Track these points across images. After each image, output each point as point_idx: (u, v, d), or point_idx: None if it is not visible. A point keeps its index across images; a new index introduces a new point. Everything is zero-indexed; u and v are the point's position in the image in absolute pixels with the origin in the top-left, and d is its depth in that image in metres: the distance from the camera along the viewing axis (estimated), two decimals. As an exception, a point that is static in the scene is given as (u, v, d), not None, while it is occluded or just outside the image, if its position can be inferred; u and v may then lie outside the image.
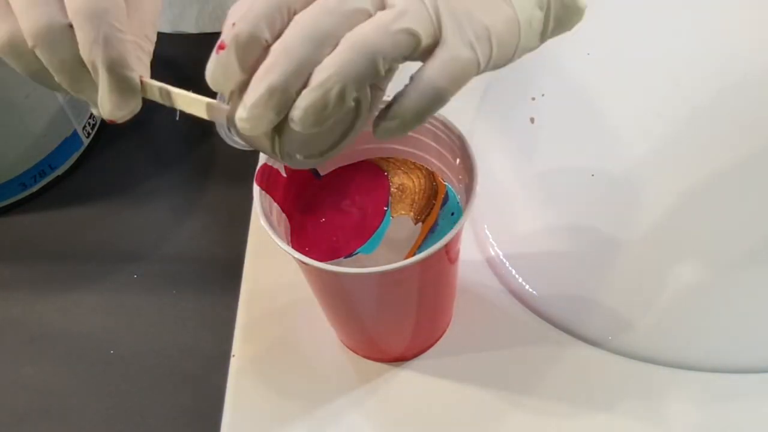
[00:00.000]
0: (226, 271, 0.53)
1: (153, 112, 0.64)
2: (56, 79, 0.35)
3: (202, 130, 0.64)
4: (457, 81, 0.32)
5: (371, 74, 0.31)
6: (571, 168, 0.55)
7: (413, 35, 0.31)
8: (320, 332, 0.49)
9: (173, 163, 0.62)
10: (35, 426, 0.50)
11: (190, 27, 0.69)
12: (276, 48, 0.31)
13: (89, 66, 0.34)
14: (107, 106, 0.35)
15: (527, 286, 0.49)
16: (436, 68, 0.32)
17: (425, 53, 0.32)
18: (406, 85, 0.33)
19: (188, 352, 0.52)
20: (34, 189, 0.60)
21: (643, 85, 0.58)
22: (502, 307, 0.49)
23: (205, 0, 0.68)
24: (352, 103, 0.32)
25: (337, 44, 0.31)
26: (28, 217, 0.60)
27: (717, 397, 0.45)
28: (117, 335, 0.53)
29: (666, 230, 0.51)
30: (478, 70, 0.33)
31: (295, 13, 0.31)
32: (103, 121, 0.64)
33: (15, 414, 0.51)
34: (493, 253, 0.51)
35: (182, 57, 0.65)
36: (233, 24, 0.31)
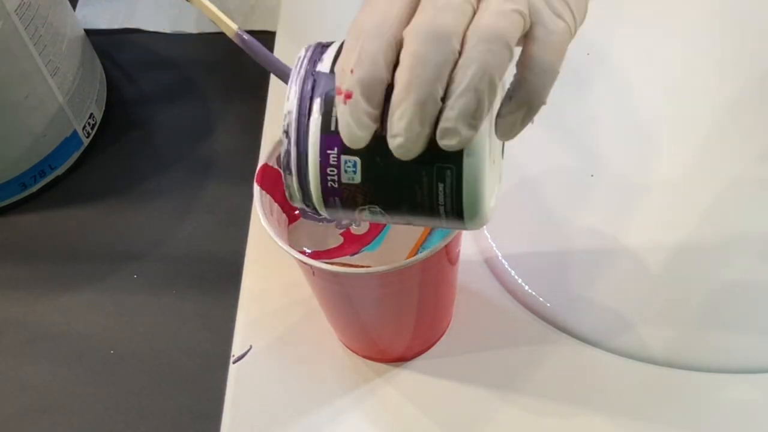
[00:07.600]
0: (226, 271, 0.53)
1: (153, 112, 0.64)
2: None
3: (202, 130, 0.64)
4: (561, 52, 0.33)
5: (508, 60, 0.31)
6: (571, 168, 0.55)
7: (522, 15, 0.31)
8: (320, 332, 0.49)
9: (173, 163, 0.62)
10: (35, 426, 0.50)
11: (190, 27, 0.69)
12: (406, 63, 0.30)
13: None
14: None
15: (527, 287, 0.49)
16: (541, 46, 0.32)
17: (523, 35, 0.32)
18: (516, 74, 0.32)
19: (188, 352, 0.52)
20: (34, 189, 0.60)
21: (643, 85, 0.58)
22: (502, 308, 0.49)
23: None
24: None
25: (461, 41, 0.30)
26: (28, 217, 0.60)
27: (716, 397, 0.45)
28: (117, 335, 0.53)
29: (665, 230, 0.51)
30: (572, 37, 0.33)
31: (401, 42, 0.31)
32: (103, 121, 0.64)
33: (15, 414, 0.51)
34: (492, 254, 0.51)
35: (182, 57, 0.65)
36: (351, 71, 0.31)
